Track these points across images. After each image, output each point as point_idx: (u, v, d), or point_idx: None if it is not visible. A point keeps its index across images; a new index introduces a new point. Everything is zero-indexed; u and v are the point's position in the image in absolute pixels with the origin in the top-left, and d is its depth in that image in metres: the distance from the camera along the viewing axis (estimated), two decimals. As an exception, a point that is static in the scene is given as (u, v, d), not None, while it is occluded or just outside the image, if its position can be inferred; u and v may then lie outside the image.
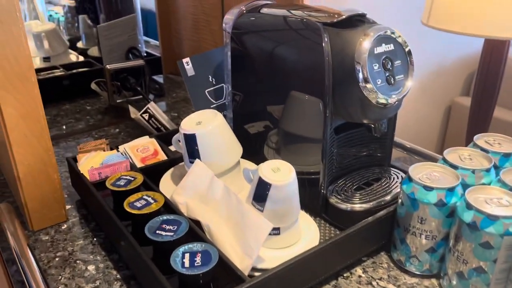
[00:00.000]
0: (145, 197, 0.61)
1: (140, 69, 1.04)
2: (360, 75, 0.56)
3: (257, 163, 0.74)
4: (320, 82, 0.60)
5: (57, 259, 0.62)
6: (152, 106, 0.93)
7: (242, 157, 0.69)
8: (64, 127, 1.03)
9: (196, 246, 0.51)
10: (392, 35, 0.58)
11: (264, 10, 0.71)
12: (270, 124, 0.72)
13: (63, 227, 0.69)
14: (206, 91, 0.87)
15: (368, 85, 0.56)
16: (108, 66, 1.01)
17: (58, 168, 0.67)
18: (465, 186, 0.55)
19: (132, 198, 0.60)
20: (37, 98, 0.61)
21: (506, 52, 1.19)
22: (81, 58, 1.31)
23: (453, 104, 1.84)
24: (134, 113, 0.94)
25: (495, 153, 0.60)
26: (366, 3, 1.36)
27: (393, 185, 0.66)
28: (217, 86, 0.88)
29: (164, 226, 0.55)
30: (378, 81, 0.57)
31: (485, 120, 1.29)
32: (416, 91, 1.70)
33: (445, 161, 0.59)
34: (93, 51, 1.33)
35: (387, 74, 0.58)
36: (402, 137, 0.91)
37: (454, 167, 0.57)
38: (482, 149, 0.61)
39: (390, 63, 0.58)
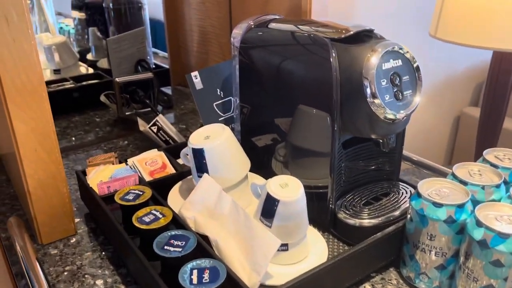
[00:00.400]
0: (153, 211, 0.61)
1: (148, 82, 1.05)
2: (368, 91, 0.56)
3: (265, 176, 0.74)
4: (328, 97, 0.60)
5: (65, 273, 0.62)
6: (161, 119, 0.93)
7: (250, 170, 0.69)
8: (73, 138, 1.04)
9: (204, 262, 0.51)
10: (400, 51, 0.59)
11: (272, 25, 0.71)
12: (278, 137, 0.72)
13: (71, 241, 0.69)
14: (214, 104, 0.88)
15: (376, 101, 0.56)
16: (117, 79, 1.02)
17: (67, 182, 0.68)
18: (474, 202, 0.54)
19: (140, 212, 0.61)
20: (47, 113, 0.62)
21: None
22: (91, 70, 1.33)
23: (462, 115, 1.83)
24: (142, 125, 0.95)
25: (505, 168, 0.60)
26: (373, 14, 1.36)
27: (401, 200, 0.66)
28: (225, 99, 0.89)
29: (172, 241, 0.55)
30: (386, 96, 0.57)
31: (494, 132, 1.28)
32: (425, 101, 1.69)
33: (454, 176, 0.59)
34: (103, 63, 1.34)
35: (395, 90, 0.58)
36: (410, 147, 0.90)
37: (464, 183, 0.57)
38: (492, 164, 0.61)
39: (398, 78, 0.58)
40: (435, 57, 1.61)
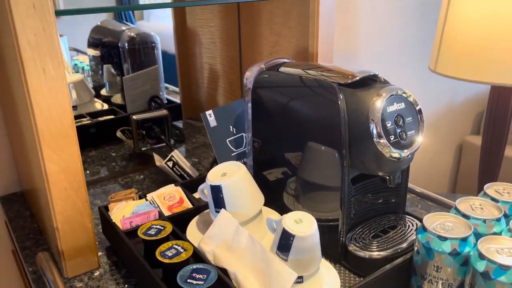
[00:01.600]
0: (175, 246, 0.65)
1: (163, 119, 1.10)
2: (374, 132, 0.61)
3: (277, 209, 0.78)
4: (337, 136, 0.64)
5: (91, 305, 0.66)
6: (176, 154, 0.98)
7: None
8: (91, 173, 1.09)
9: (226, 294, 0.55)
10: (403, 95, 0.64)
11: (282, 69, 0.77)
12: (289, 172, 0.77)
13: (95, 274, 0.73)
14: (227, 140, 0.93)
15: (382, 141, 0.61)
16: (134, 117, 1.07)
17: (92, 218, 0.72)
18: (477, 235, 0.58)
19: (163, 247, 0.65)
20: (76, 155, 0.67)
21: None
22: (106, 106, 1.39)
23: (464, 143, 1.88)
24: (159, 160, 1.00)
25: (504, 202, 0.64)
26: (377, 51, 1.43)
27: (408, 233, 0.69)
28: (237, 136, 0.94)
29: (194, 275, 0.59)
30: (391, 137, 0.62)
31: (496, 161, 1.32)
32: (427, 130, 1.74)
33: (457, 210, 0.63)
34: (116, 99, 1.40)
35: (399, 131, 0.63)
36: (414, 176, 0.94)
37: (466, 216, 0.61)
38: (492, 199, 0.65)
39: (402, 120, 0.63)
40: (436, 87, 1.67)
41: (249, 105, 0.83)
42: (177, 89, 1.45)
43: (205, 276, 0.59)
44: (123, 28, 1.33)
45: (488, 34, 1.06)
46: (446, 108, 1.80)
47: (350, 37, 1.36)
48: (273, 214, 0.76)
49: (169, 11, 1.38)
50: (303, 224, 0.59)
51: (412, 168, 0.75)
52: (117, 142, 1.22)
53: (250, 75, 0.81)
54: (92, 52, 1.48)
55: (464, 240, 0.56)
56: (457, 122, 1.87)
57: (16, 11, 0.57)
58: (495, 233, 0.59)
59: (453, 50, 1.14)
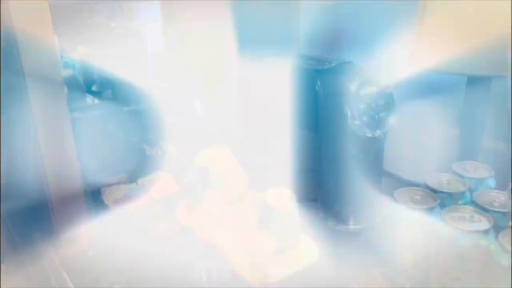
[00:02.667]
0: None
1: (153, 111, 1.14)
2: (349, 113, 0.66)
3: (262, 190, 0.82)
4: (315, 119, 0.69)
5: (85, 280, 0.70)
6: (165, 144, 1.02)
7: (248, 186, 0.78)
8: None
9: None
10: (375, 79, 0.69)
11: (266, 59, 0.81)
12: (272, 156, 0.81)
13: (89, 253, 0.76)
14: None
15: (356, 122, 0.66)
16: (125, 109, 1.11)
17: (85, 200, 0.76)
18: (443, 207, 0.63)
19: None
20: (71, 148, 0.71)
21: (489, 88, 1.29)
22: (96, 101, 1.42)
23: (449, 137, 1.93)
24: (149, 150, 1.04)
25: (469, 178, 0.69)
26: (359, 41, 1.47)
27: (382, 207, 0.74)
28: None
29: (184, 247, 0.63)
30: (364, 118, 0.67)
31: (473, 154, 1.37)
32: (412, 123, 1.79)
33: (426, 185, 0.68)
34: (107, 94, 1.43)
35: (372, 112, 0.67)
36: (400, 166, 0.98)
37: (434, 190, 0.66)
38: (459, 175, 0.70)
39: (374, 103, 0.68)
40: (420, 80, 1.71)
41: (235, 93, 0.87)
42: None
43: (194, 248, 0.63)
44: (113, 25, 1.37)
45: (462, 25, 1.11)
46: (430, 101, 1.85)
47: (334, 28, 1.40)
48: (257, 194, 0.81)
49: (157, 11, 1.41)
50: (283, 199, 0.64)
51: (397, 159, 0.79)
52: (108, 135, 1.26)
53: (236, 66, 0.86)
54: (83, 49, 1.51)
55: (430, 210, 0.61)
56: (441, 115, 1.92)
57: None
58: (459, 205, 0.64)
59: (430, 43, 1.19)
